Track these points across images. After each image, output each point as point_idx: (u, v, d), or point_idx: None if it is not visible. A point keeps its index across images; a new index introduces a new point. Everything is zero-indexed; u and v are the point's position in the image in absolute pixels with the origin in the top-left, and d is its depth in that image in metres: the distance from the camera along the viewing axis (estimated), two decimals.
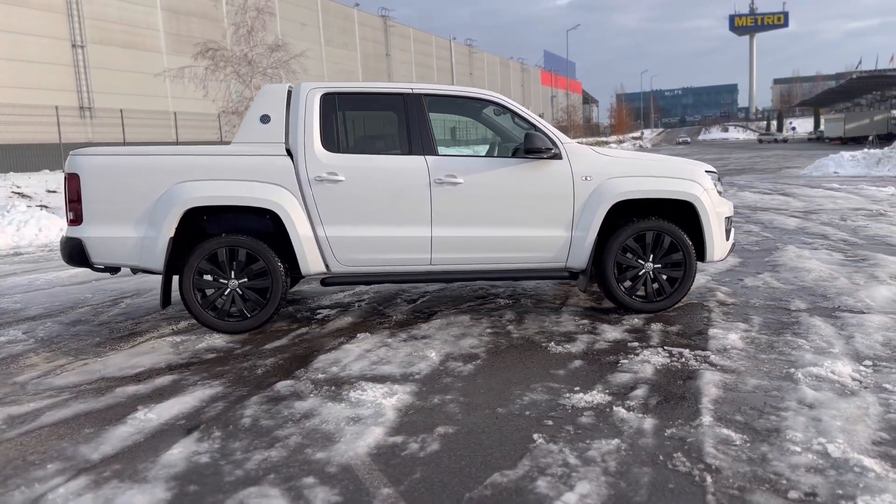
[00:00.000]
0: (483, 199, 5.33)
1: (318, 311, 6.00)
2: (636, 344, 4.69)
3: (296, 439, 3.33)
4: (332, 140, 5.33)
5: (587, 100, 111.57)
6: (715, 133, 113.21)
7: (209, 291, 5.26)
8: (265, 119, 5.33)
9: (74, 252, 5.16)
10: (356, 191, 5.24)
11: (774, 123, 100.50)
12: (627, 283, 5.53)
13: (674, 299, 5.53)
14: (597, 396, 3.73)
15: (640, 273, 5.50)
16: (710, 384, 3.86)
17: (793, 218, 11.57)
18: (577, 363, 4.34)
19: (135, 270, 5.56)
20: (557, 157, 5.37)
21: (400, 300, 6.33)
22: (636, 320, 5.31)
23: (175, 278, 5.26)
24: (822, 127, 79.61)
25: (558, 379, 4.06)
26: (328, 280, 5.40)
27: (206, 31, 37.21)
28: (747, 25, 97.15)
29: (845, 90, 64.25)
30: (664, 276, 5.51)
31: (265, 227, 5.35)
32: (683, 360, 4.31)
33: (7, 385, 4.27)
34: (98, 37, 32.39)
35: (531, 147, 5.25)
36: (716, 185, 5.69)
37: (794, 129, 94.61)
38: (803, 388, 3.75)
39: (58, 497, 2.82)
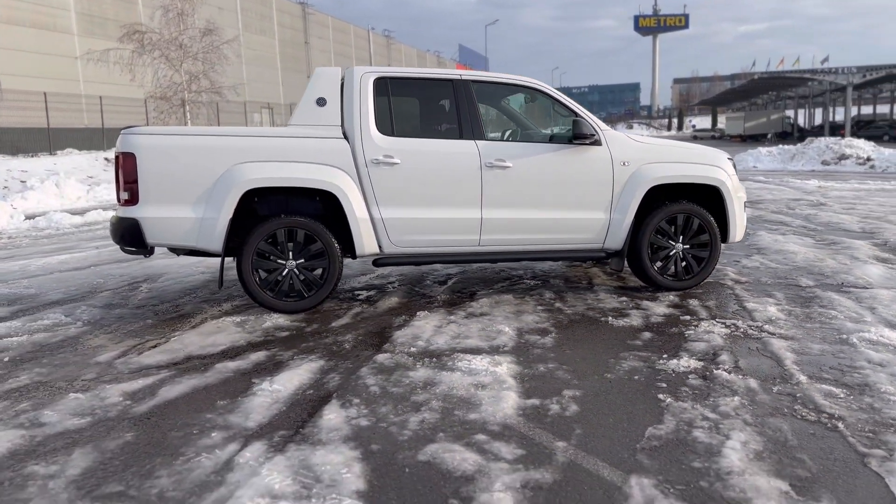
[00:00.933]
0: (530, 182, 5.57)
1: (356, 292, 6.10)
2: (688, 318, 5.05)
3: (437, 404, 3.49)
4: (386, 124, 5.45)
5: None
6: (620, 130, 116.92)
7: (264, 273, 5.29)
8: (321, 102, 5.39)
9: (128, 232, 5.08)
10: (411, 174, 5.38)
11: (675, 121, 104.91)
12: (658, 264, 5.89)
13: (700, 277, 5.94)
14: (689, 362, 4.05)
15: (671, 253, 5.88)
16: (782, 349, 4.26)
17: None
18: (647, 335, 4.65)
19: (177, 251, 5.52)
20: (598, 143, 5.66)
21: (429, 281, 6.50)
22: (671, 297, 5.69)
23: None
24: (720, 125, 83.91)
25: (639, 348, 4.36)
26: (380, 260, 5.52)
27: (120, 12, 35.84)
28: (651, 26, 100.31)
29: (745, 90, 67.80)
30: (691, 256, 5.91)
31: (314, 208, 5.42)
32: (742, 330, 4.70)
33: (92, 365, 4.21)
34: (4, 16, 30.58)
35: (579, 133, 5.53)
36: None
37: (693, 126, 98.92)
38: (864, 350, 4.19)
39: (249, 460, 2.90)
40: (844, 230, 9.24)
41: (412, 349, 4.40)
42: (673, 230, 5.85)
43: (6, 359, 4.36)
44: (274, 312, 5.27)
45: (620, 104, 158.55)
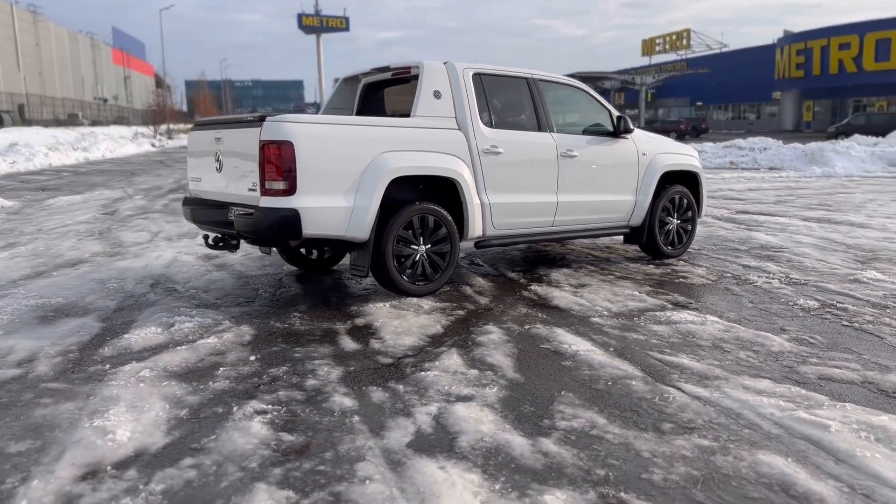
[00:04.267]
0: (589, 169, 6.42)
1: None
2: (730, 276, 6.35)
3: (730, 346, 4.27)
4: (486, 116, 5.87)
5: (159, 83, 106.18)
6: None
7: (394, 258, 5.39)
8: (437, 95, 5.62)
9: (280, 223, 4.80)
10: (511, 162, 5.90)
11: None
12: (661, 238, 7.15)
13: (687, 246, 7.34)
14: (816, 301, 5.33)
15: (670, 228, 7.18)
16: (843, 292, 5.76)
17: None
18: (739, 290, 5.85)
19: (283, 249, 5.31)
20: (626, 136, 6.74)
21: (472, 263, 6.97)
22: (680, 263, 6.97)
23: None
24: None
25: (770, 300, 5.52)
26: (481, 243, 5.93)
27: None
28: (314, 26, 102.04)
29: None
30: (681, 230, 7.27)
31: (421, 195, 5.63)
32: (792, 279, 6.12)
33: (362, 353, 4.16)
34: None
35: (626, 127, 6.56)
36: None
37: None
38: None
39: (763, 410, 3.46)
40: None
41: (605, 313, 5.04)
42: (672, 208, 7.16)
43: (252, 358, 4.07)
44: (406, 296, 5.42)
45: (285, 100, 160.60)
